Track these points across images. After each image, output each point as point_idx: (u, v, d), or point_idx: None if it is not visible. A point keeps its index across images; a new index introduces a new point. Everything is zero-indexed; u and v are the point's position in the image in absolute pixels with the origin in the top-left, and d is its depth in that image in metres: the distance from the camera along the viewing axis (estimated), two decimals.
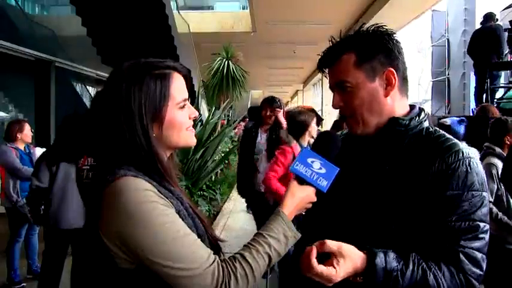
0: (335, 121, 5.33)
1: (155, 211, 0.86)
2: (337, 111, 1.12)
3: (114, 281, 0.91)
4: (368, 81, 1.03)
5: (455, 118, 3.21)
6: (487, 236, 0.95)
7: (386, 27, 1.06)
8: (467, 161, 0.96)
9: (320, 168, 1.01)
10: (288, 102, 40.60)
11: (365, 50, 1.03)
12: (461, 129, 3.12)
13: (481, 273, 0.95)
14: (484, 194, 0.96)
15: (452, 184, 0.94)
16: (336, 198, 1.09)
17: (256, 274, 0.91)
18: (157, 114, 0.94)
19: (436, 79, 11.30)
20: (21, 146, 3.95)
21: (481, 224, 0.94)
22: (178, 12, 11.11)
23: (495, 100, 6.71)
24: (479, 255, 0.94)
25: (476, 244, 0.94)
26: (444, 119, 2.76)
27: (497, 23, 6.75)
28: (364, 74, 1.03)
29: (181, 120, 0.98)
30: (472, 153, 0.98)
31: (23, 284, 3.94)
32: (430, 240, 0.96)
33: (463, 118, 3.27)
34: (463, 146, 1.00)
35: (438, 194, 0.95)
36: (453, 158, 0.96)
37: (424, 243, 0.96)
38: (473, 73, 7.28)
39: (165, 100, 0.95)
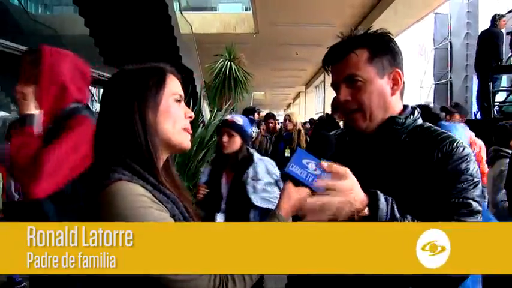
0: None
1: (150, 217, 0.86)
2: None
3: (111, 282, 0.91)
4: (378, 77, 1.07)
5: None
6: (479, 216, 1.01)
7: (391, 34, 1.12)
8: (461, 149, 1.03)
9: (315, 170, 1.00)
10: (290, 104, 40.65)
11: (377, 48, 1.07)
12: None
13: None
14: (476, 179, 1.02)
15: (451, 163, 1.01)
16: None
17: (254, 276, 0.91)
18: (153, 100, 0.96)
19: (438, 82, 11.27)
20: None
21: (474, 203, 1.00)
22: (181, 13, 11.16)
23: (497, 103, 6.69)
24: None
25: (470, 219, 0.99)
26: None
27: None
28: (375, 70, 1.06)
29: (176, 112, 0.99)
30: (464, 143, 1.07)
31: (23, 284, 3.95)
32: (427, 213, 1.00)
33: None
34: (456, 137, 1.08)
35: (439, 174, 1.01)
36: (449, 146, 1.03)
37: (422, 216, 1.00)
38: (475, 76, 7.26)
39: (160, 88, 0.97)
